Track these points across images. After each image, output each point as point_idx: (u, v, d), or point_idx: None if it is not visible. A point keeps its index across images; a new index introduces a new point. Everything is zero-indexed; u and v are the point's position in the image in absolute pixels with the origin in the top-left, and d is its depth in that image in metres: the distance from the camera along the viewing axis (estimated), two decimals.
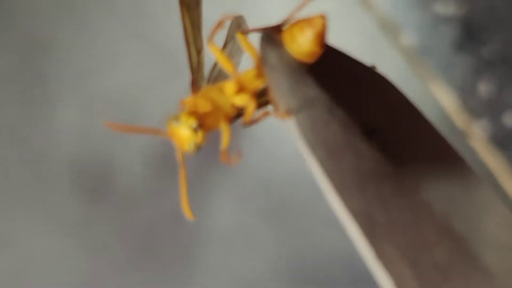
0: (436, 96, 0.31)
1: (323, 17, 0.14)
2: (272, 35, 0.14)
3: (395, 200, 0.13)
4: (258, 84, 0.15)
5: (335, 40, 0.31)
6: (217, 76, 0.18)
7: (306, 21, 0.14)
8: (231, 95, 0.15)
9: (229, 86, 0.15)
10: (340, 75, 0.14)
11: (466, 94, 0.31)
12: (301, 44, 0.14)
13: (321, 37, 0.14)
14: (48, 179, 0.32)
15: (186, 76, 0.33)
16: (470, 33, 0.32)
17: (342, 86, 0.14)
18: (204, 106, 0.15)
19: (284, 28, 0.14)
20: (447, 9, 0.32)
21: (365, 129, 0.13)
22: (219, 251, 0.31)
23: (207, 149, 0.31)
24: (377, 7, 0.32)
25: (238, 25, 0.20)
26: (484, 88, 0.31)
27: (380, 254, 0.12)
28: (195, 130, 0.15)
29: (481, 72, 0.31)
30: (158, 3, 0.33)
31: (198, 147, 0.15)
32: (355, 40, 0.32)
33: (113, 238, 0.32)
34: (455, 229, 0.13)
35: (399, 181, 0.13)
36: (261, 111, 0.16)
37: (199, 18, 0.16)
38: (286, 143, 0.32)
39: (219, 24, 0.15)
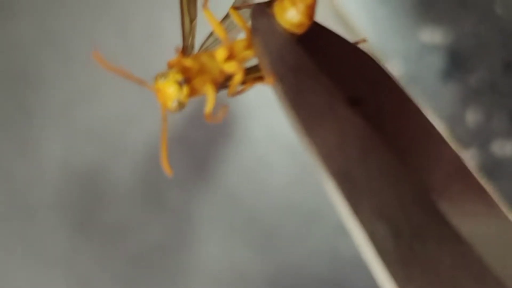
0: None
1: None
2: (264, 8, 0.15)
3: (376, 162, 0.13)
4: (248, 54, 0.16)
5: None
6: (209, 47, 0.19)
7: None
8: (221, 61, 0.16)
9: (220, 52, 0.16)
10: (327, 47, 0.15)
11: (454, 123, 0.31)
12: (292, 15, 0.14)
13: (311, 9, 0.15)
14: (33, 212, 0.31)
15: None
16: (456, 62, 0.32)
17: (328, 58, 0.15)
18: (192, 66, 0.15)
19: (275, 2, 0.15)
20: (433, 38, 0.32)
21: (349, 99, 0.14)
22: (206, 283, 0.31)
23: (194, 178, 0.31)
24: (363, 37, 0.32)
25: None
26: (472, 117, 0.31)
27: (357, 211, 0.12)
28: (180, 86, 0.15)
29: (469, 101, 0.31)
30: (141, 34, 0.33)
31: (182, 105, 0.15)
32: None
33: (99, 271, 0.31)
34: (429, 195, 0.13)
35: (381, 146, 0.14)
36: (248, 83, 0.16)
37: None
38: (274, 174, 0.31)
39: None
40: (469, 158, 0.31)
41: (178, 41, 0.33)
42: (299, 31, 0.15)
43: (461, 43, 0.32)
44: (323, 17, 0.32)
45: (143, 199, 0.32)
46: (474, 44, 0.32)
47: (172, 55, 0.34)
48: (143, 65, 0.33)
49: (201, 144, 0.32)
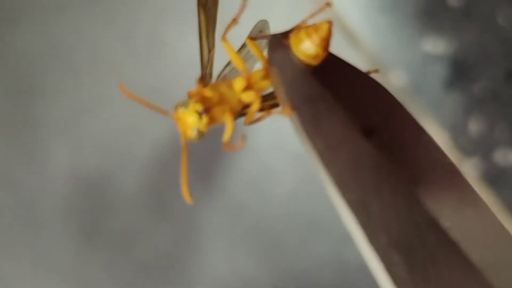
0: None
1: (329, 23, 0.15)
2: (280, 39, 0.15)
3: (390, 193, 0.14)
4: (265, 84, 0.16)
5: None
6: (226, 75, 0.19)
7: (313, 26, 0.15)
8: (239, 91, 0.16)
9: (238, 82, 0.16)
10: (341, 78, 0.15)
11: (456, 133, 0.31)
12: (307, 47, 0.15)
13: (326, 41, 0.15)
14: (40, 220, 0.31)
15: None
16: (459, 71, 0.32)
17: (343, 88, 0.15)
18: (211, 96, 0.16)
19: (291, 34, 0.15)
20: (436, 48, 0.32)
21: (363, 129, 0.14)
22: None
23: (200, 187, 0.31)
24: (367, 47, 0.32)
25: (259, 29, 0.21)
26: (475, 126, 0.32)
27: (373, 240, 0.13)
28: (200, 115, 0.15)
29: (471, 110, 0.32)
30: (145, 44, 0.33)
31: (201, 135, 0.16)
32: None
33: (105, 278, 0.31)
34: (441, 223, 0.14)
35: (394, 176, 0.14)
36: (265, 111, 0.17)
37: (214, 18, 0.17)
38: (279, 183, 0.32)
39: (233, 21, 0.16)
40: (472, 167, 0.31)
41: (181, 51, 0.33)
42: (314, 62, 0.15)
43: (463, 53, 0.32)
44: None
45: (149, 208, 0.32)
46: (476, 54, 0.32)
47: (175, 65, 0.34)
48: (148, 74, 0.33)
49: (206, 153, 0.32)
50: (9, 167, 0.32)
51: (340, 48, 0.33)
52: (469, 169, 0.31)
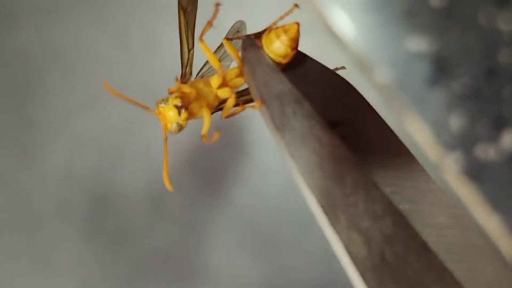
0: (410, 131, 0.33)
1: (297, 24, 0.16)
2: (253, 40, 0.17)
3: (351, 179, 0.15)
4: (239, 81, 0.18)
5: None
6: (204, 73, 0.21)
7: (282, 27, 0.16)
8: (215, 87, 0.18)
9: (214, 80, 0.18)
10: (309, 75, 0.17)
11: (439, 128, 0.33)
12: (277, 46, 0.16)
13: (295, 41, 0.16)
14: (38, 220, 0.33)
15: None
16: (442, 69, 0.33)
17: (310, 84, 0.16)
18: (190, 92, 0.17)
19: (264, 34, 0.17)
20: (420, 47, 0.33)
21: (328, 122, 0.16)
22: (205, 286, 0.32)
23: (195, 186, 0.32)
24: (353, 46, 0.33)
25: (237, 29, 0.22)
26: (457, 122, 0.33)
27: (334, 222, 0.14)
28: (179, 110, 0.17)
29: (453, 107, 0.33)
30: (140, 44, 0.34)
31: (181, 128, 0.18)
32: None
33: (103, 277, 0.32)
34: (399, 206, 0.15)
35: (356, 165, 0.15)
36: (239, 106, 0.18)
37: (193, 21, 0.19)
38: (271, 181, 0.33)
39: (208, 24, 0.17)
40: (454, 161, 0.33)
41: (174, 50, 0.34)
42: (284, 61, 0.16)
43: (446, 52, 0.33)
44: (314, 30, 0.33)
45: (146, 207, 0.33)
46: (458, 52, 0.33)
47: (168, 64, 0.35)
48: (141, 73, 0.34)
49: (200, 152, 0.33)
50: (4, 167, 0.33)
51: (326, 47, 0.34)
52: (451, 164, 0.32)
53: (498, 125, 0.33)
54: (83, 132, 0.33)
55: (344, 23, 0.33)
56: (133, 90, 0.35)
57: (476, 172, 0.32)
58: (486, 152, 0.33)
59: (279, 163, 0.33)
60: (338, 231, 0.14)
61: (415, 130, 0.33)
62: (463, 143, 0.32)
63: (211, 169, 0.32)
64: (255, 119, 0.32)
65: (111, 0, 0.35)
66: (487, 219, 0.32)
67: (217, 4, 0.18)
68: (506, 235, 0.32)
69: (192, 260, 0.33)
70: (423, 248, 0.15)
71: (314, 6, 0.34)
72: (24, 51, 0.34)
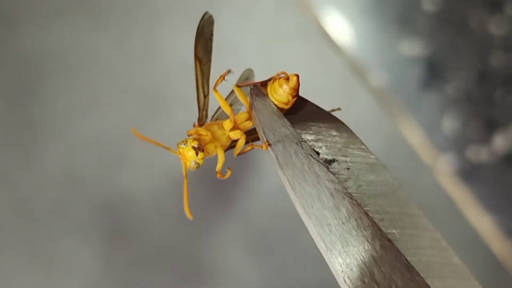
0: (404, 133, 0.33)
1: (297, 76, 0.19)
2: (260, 88, 0.20)
3: (345, 209, 0.18)
4: (248, 124, 0.21)
5: (309, 81, 0.33)
6: (218, 117, 0.23)
7: (284, 78, 0.19)
8: (227, 130, 0.21)
9: (227, 123, 0.21)
10: (308, 118, 0.20)
11: (432, 130, 0.33)
12: (280, 94, 0.19)
13: (295, 90, 0.19)
14: (37, 218, 0.33)
15: (165, 118, 0.34)
16: (435, 72, 0.34)
17: (309, 125, 0.19)
18: (205, 134, 0.20)
19: (269, 83, 0.20)
20: (413, 51, 0.34)
21: (324, 159, 0.18)
22: (199, 283, 0.33)
23: (194, 188, 0.33)
24: (347, 50, 0.34)
25: (246, 76, 0.25)
26: (449, 124, 0.33)
27: (331, 248, 0.17)
28: (197, 151, 0.20)
29: (446, 109, 0.33)
30: (138, 48, 0.35)
31: (198, 166, 0.21)
32: (327, 81, 0.34)
33: (101, 274, 0.33)
34: (386, 232, 0.18)
35: (349, 197, 0.18)
36: (248, 145, 0.21)
37: (208, 70, 0.21)
38: (266, 180, 0.33)
39: (221, 77, 0.20)
40: (446, 163, 0.33)
41: (173, 54, 0.35)
42: (286, 106, 0.19)
43: (439, 55, 0.34)
44: (309, 34, 0.34)
45: (145, 207, 0.34)
46: (451, 56, 0.34)
47: (167, 67, 0.36)
48: (141, 77, 0.35)
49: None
50: (5, 166, 0.34)
51: (322, 52, 0.35)
52: (444, 165, 0.33)
53: (490, 127, 0.33)
54: (83, 133, 0.34)
55: (340, 27, 0.34)
56: (133, 93, 0.36)
57: (468, 173, 0.33)
58: (478, 153, 0.33)
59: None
60: (333, 255, 0.17)
61: (408, 132, 0.33)
62: (456, 145, 0.33)
63: (209, 170, 0.33)
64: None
65: (111, 4, 0.35)
66: (479, 220, 0.33)
67: (229, 71, 0.20)
68: (498, 236, 0.33)
69: (189, 258, 0.33)
70: (406, 268, 0.17)
71: (310, 11, 0.34)
72: (25, 53, 0.35)
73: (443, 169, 0.33)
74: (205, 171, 0.34)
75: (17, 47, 0.35)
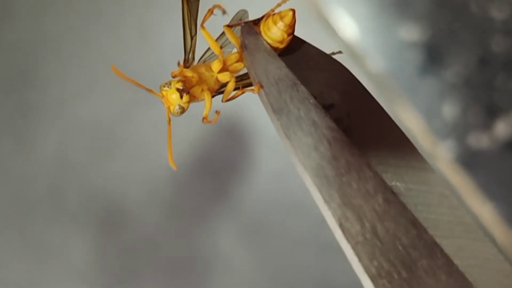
0: (402, 119, 0.32)
1: (292, 10, 0.17)
2: (252, 26, 0.17)
3: (345, 160, 0.16)
4: (239, 66, 0.19)
5: None
6: (206, 59, 0.22)
7: (279, 14, 0.17)
8: (216, 72, 0.18)
9: (215, 64, 0.18)
10: (305, 59, 0.18)
11: (431, 117, 0.32)
12: (275, 32, 0.17)
13: (290, 27, 0.17)
14: (30, 206, 0.32)
15: (159, 103, 0.34)
16: (433, 57, 0.33)
17: (306, 68, 0.17)
18: (192, 76, 0.18)
19: (262, 21, 0.17)
20: (411, 35, 0.33)
21: (323, 104, 0.16)
22: (197, 277, 0.32)
23: (186, 176, 0.32)
24: (344, 35, 0.33)
25: (239, 18, 0.23)
26: (449, 110, 0.33)
27: (329, 200, 0.15)
28: (181, 94, 0.17)
29: (445, 95, 0.33)
30: (131, 33, 0.34)
31: (183, 110, 0.19)
32: None
33: (94, 263, 0.32)
34: (390, 185, 0.16)
35: (350, 146, 0.16)
36: (239, 90, 0.19)
37: (196, 10, 0.20)
38: (259, 168, 0.33)
39: (210, 11, 0.18)
40: (447, 150, 0.32)
41: (165, 39, 0.34)
42: (281, 46, 0.17)
43: (437, 40, 0.33)
44: (306, 18, 0.33)
45: (138, 193, 0.33)
46: (450, 41, 0.33)
47: (159, 52, 0.35)
48: (134, 61, 0.34)
49: (190, 141, 0.33)
50: None
51: (317, 35, 0.34)
52: (444, 152, 0.32)
53: (491, 113, 0.33)
54: (77, 120, 0.33)
55: (336, 12, 0.33)
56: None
57: (469, 160, 0.32)
58: (479, 140, 0.33)
59: (270, 152, 0.33)
60: (332, 208, 0.15)
61: (407, 119, 0.33)
62: (456, 131, 0.32)
63: (201, 157, 0.32)
64: (244, 107, 0.32)
65: None
66: (481, 207, 0.32)
67: (218, 5, 0.19)
68: (499, 223, 0.32)
69: (181, 246, 0.33)
70: (413, 224, 0.15)
71: None
72: (20, 40, 0.34)
73: (443, 156, 0.32)
74: (197, 160, 0.33)
75: (11, 33, 0.34)
